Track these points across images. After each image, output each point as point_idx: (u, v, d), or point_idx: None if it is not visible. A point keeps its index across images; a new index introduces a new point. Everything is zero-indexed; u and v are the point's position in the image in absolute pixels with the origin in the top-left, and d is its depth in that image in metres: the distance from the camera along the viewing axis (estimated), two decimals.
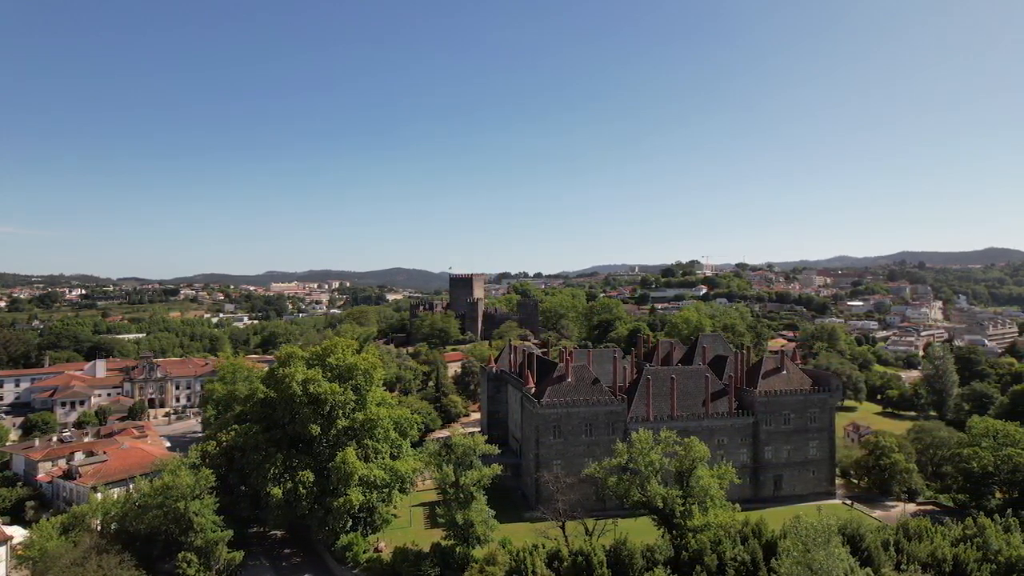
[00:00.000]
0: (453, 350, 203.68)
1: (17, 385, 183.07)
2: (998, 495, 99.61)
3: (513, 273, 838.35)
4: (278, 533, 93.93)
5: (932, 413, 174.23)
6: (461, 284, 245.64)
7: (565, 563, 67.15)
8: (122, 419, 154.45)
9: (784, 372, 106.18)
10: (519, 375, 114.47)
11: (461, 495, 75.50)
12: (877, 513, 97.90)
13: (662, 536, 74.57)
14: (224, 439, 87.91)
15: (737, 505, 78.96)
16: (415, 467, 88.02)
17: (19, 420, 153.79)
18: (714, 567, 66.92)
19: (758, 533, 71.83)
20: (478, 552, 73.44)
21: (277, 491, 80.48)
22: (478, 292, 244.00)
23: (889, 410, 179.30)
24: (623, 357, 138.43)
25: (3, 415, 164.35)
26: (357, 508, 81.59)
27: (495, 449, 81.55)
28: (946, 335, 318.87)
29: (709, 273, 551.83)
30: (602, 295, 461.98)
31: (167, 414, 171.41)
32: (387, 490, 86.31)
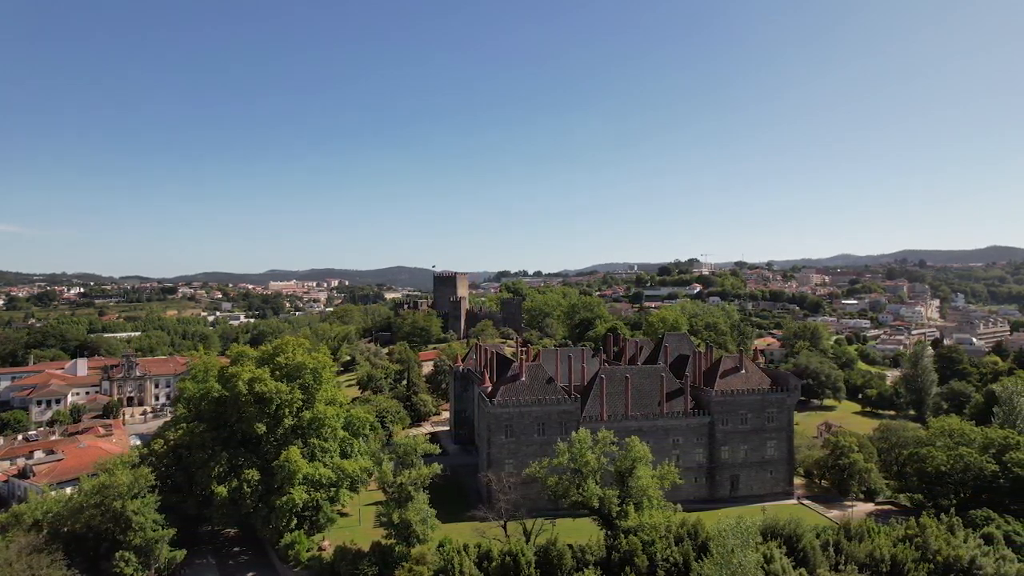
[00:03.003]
0: (434, 348, 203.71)
1: None
2: (961, 495, 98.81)
3: (513, 272, 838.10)
4: (230, 532, 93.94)
5: (911, 412, 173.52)
6: (445, 283, 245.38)
7: (495, 563, 67.03)
8: (97, 417, 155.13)
9: (743, 372, 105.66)
10: (481, 374, 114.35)
11: (398, 494, 75.38)
12: (833, 513, 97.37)
13: (603, 536, 74.35)
14: (172, 437, 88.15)
15: (679, 505, 78.41)
16: (364, 466, 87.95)
17: None
18: (644, 568, 66.61)
19: (694, 534, 71.49)
20: (417, 551, 73.31)
21: (221, 489, 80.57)
22: (462, 291, 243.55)
23: (868, 409, 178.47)
24: (592, 356, 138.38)
25: None
26: (300, 507, 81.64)
27: (436, 448, 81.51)
28: (938, 334, 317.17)
29: (706, 272, 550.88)
30: (596, 294, 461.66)
31: (144, 412, 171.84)
32: (334, 489, 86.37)
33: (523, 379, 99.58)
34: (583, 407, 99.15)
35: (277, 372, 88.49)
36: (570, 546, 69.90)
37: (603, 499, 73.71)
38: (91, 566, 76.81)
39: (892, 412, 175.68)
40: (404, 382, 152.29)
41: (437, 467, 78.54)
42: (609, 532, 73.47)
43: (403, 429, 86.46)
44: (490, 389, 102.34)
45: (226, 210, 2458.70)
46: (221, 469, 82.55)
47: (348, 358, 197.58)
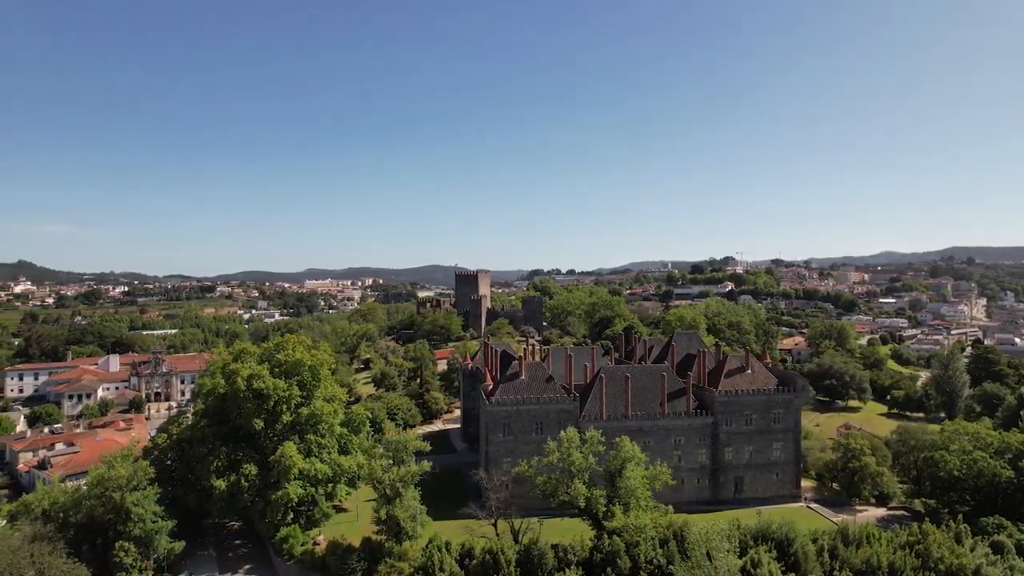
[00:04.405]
0: (452, 347, 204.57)
1: (36, 378, 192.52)
2: (976, 501, 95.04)
3: (546, 270, 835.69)
4: (234, 525, 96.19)
5: (941, 415, 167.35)
6: (467, 281, 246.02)
7: (475, 561, 67.10)
8: (123, 412, 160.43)
9: (748, 371, 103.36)
10: (483, 372, 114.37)
11: (387, 491, 75.96)
12: (840, 518, 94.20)
13: (593, 536, 73.67)
14: (175, 432, 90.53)
15: (670, 507, 77.15)
16: (361, 462, 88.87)
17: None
18: (627, 570, 65.74)
19: (680, 537, 70.27)
20: (401, 548, 73.80)
21: (220, 483, 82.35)
22: (483, 289, 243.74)
23: (895, 411, 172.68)
24: (603, 355, 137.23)
25: (19, 406, 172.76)
26: (296, 502, 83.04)
27: (426, 446, 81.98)
28: (980, 333, 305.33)
29: (740, 270, 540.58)
30: (627, 292, 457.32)
31: (169, 407, 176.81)
32: (331, 485, 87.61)
33: (523, 377, 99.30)
34: (583, 406, 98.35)
35: (276, 369, 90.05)
36: (555, 546, 69.60)
37: (590, 499, 73.05)
38: (98, 556, 79.39)
39: (921, 414, 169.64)
40: (417, 380, 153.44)
41: (427, 464, 78.93)
42: (597, 533, 72.88)
43: (395, 427, 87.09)
44: (491, 387, 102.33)
45: (270, 211, 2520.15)
46: (220, 463, 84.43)
47: (368, 356, 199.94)
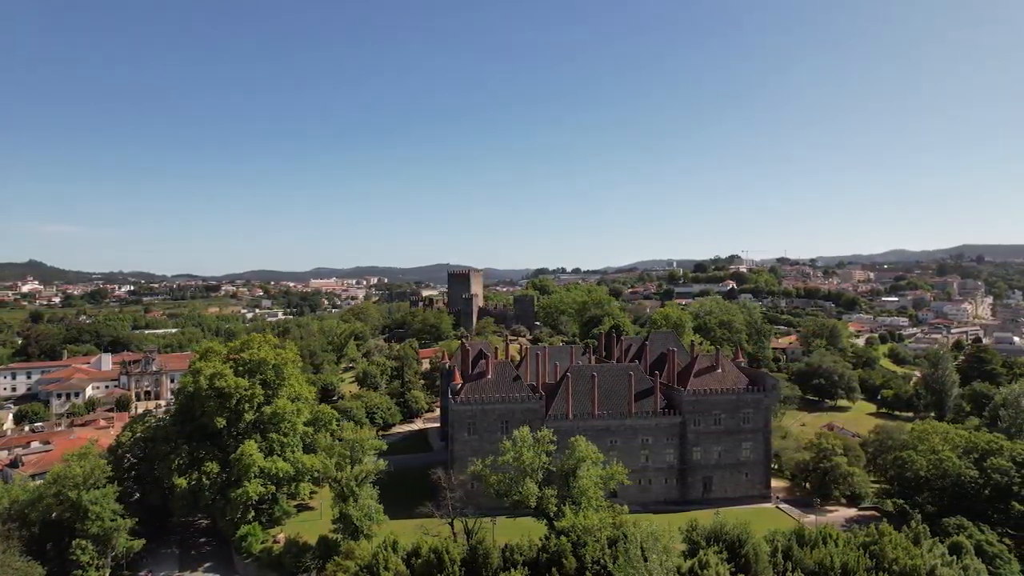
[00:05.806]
0: (441, 346, 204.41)
1: (29, 377, 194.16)
2: (943, 502, 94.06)
3: (551, 269, 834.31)
4: (202, 523, 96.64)
5: (931, 414, 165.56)
6: (459, 280, 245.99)
7: (421, 560, 66.98)
8: (109, 410, 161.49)
9: (718, 371, 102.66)
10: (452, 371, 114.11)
11: (343, 489, 76.01)
12: (809, 518, 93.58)
13: (542, 536, 73.32)
14: (139, 430, 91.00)
15: (625, 507, 76.74)
16: (325, 461, 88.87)
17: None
18: (572, 570, 65.41)
19: (627, 537, 69.85)
20: (353, 546, 73.78)
21: (181, 481, 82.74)
22: (475, 288, 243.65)
23: (884, 410, 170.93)
24: (582, 354, 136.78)
25: (11, 405, 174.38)
26: (256, 500, 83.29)
27: (383, 444, 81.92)
28: (980, 332, 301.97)
29: (745, 269, 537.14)
30: (628, 291, 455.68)
31: (157, 406, 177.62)
32: (294, 484, 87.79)
33: (489, 376, 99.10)
34: (549, 405, 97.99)
35: (240, 368, 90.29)
36: (506, 545, 69.38)
37: (541, 498, 72.74)
38: (61, 554, 79.84)
39: (910, 413, 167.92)
40: (399, 379, 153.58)
41: (383, 463, 78.99)
42: (549, 532, 72.57)
43: (352, 426, 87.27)
44: (459, 386, 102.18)
45: (278, 210, 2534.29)
46: (182, 461, 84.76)
47: (354, 355, 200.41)
